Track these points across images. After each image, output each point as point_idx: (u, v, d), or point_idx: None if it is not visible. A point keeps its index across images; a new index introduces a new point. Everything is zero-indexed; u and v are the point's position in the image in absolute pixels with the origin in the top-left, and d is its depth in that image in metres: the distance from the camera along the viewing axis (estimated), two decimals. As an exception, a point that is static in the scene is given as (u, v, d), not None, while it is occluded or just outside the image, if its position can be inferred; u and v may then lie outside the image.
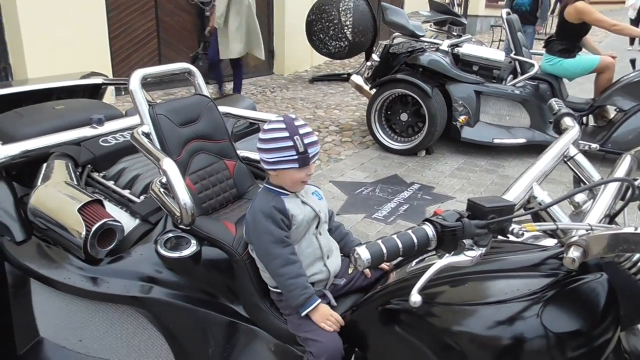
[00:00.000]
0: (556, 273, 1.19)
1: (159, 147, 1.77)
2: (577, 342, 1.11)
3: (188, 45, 7.19)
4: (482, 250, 0.99)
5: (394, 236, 0.99)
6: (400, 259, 1.65)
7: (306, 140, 1.43)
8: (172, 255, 1.65)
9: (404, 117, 4.87)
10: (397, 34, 5.26)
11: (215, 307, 1.73)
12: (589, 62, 4.84)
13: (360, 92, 5.36)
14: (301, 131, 1.44)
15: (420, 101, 4.64)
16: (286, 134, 1.42)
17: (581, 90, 5.21)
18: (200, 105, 1.98)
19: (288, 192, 1.53)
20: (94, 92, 2.91)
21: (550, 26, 12.53)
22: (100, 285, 1.65)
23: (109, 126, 2.23)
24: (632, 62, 4.72)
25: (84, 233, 1.61)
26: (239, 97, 2.94)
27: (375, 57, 5.13)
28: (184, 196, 1.54)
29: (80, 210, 1.64)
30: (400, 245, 0.97)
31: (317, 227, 1.57)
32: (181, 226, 1.64)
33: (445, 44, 4.96)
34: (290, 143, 1.41)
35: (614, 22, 4.62)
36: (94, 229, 1.62)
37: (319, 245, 1.58)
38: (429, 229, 0.99)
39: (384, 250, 0.96)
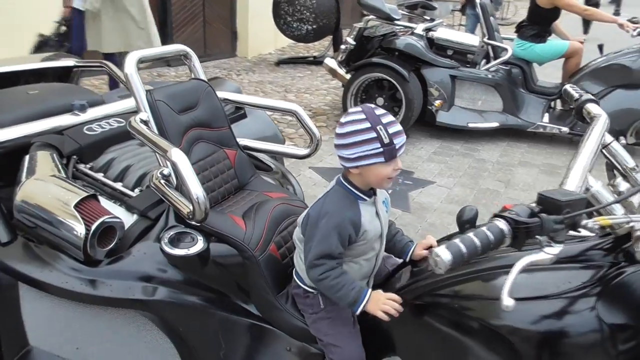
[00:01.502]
0: (604, 264, 1.16)
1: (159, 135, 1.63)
2: (631, 334, 1.09)
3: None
4: (561, 246, 0.93)
5: (470, 234, 0.93)
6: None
7: (391, 130, 1.28)
8: (179, 253, 1.54)
9: (380, 101, 4.81)
10: (371, 17, 5.17)
11: (226, 307, 1.63)
12: (559, 47, 4.92)
13: (334, 76, 5.26)
14: (384, 120, 1.30)
15: (398, 85, 4.60)
16: (367, 124, 1.27)
17: (543, 75, 5.29)
18: (199, 91, 1.85)
19: (366, 198, 1.41)
20: (65, 75, 2.69)
21: (505, 12, 12.75)
22: (101, 288, 1.52)
23: (92, 113, 2.06)
24: (600, 47, 4.83)
25: (83, 232, 1.46)
26: (222, 82, 2.79)
27: (349, 40, 5.03)
28: (197, 190, 1.42)
29: (76, 206, 1.49)
30: (478, 243, 0.91)
31: (380, 246, 1.48)
32: (192, 222, 1.51)
33: (419, 28, 4.92)
34: (374, 134, 1.27)
35: (585, 7, 4.71)
36: (94, 227, 1.48)
37: (374, 265, 1.49)
38: (503, 225, 0.93)
39: (464, 250, 0.89)
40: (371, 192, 1.42)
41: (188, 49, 1.92)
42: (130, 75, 1.64)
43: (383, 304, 1.35)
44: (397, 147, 1.29)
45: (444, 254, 0.89)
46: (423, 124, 4.90)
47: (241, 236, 1.60)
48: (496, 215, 0.97)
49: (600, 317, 1.08)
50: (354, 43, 4.99)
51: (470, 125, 4.80)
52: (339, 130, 1.32)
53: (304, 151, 2.03)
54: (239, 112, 2.62)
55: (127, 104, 2.04)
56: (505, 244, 0.95)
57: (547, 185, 4.01)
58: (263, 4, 7.52)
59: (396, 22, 5.06)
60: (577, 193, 1.03)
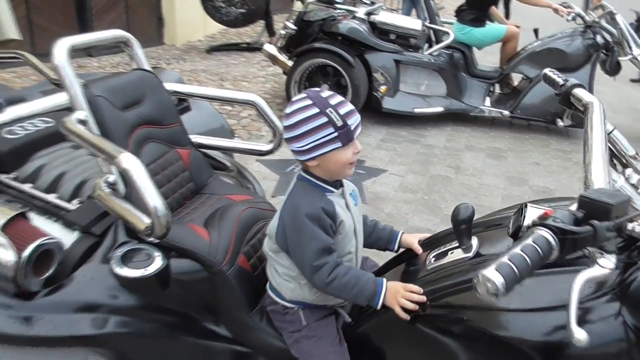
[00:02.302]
0: (618, 265, 1.07)
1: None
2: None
3: (63, 11, 6.30)
4: (614, 258, 0.81)
5: (516, 250, 0.79)
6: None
7: (342, 111, 1.20)
8: (133, 274, 1.31)
9: (325, 88, 4.64)
10: (311, 0, 4.98)
11: (193, 331, 1.42)
12: (498, 31, 4.97)
13: (274, 63, 5.04)
14: (333, 101, 1.20)
15: (343, 71, 4.46)
16: (316, 109, 1.18)
17: (478, 60, 5.35)
18: (144, 83, 1.60)
19: (333, 189, 1.29)
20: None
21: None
22: (40, 326, 1.26)
23: (12, 112, 1.74)
24: (535, 31, 4.92)
25: (13, 260, 1.20)
26: (162, 72, 2.51)
27: (289, 24, 4.82)
28: (156, 201, 1.19)
29: (3, 229, 1.22)
30: (527, 259, 0.77)
31: (356, 240, 1.34)
32: (150, 239, 1.29)
33: (361, 12, 4.78)
34: (324, 119, 1.18)
35: (522, -9, 4.77)
36: (27, 253, 1.22)
37: (354, 263, 1.35)
38: (549, 236, 0.80)
39: (515, 270, 0.75)
40: (337, 184, 1.31)
41: (129, 35, 1.67)
42: (61, 66, 1.37)
43: (402, 296, 1.21)
44: (352, 127, 1.21)
45: (495, 277, 0.74)
46: (369, 110, 4.79)
47: (206, 249, 1.39)
48: (538, 223, 0.83)
49: (626, 323, 0.99)
50: (294, 28, 4.78)
51: (417, 110, 4.75)
52: (286, 122, 1.23)
53: (266, 146, 1.84)
54: (182, 104, 2.37)
55: (54, 100, 1.74)
56: (552, 257, 0.82)
57: (495, 169, 4.04)
58: (190, -12, 7.11)
59: (337, 5, 4.90)
60: (619, 192, 0.92)
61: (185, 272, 1.40)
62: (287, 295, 1.35)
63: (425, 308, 1.20)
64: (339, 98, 1.23)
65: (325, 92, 1.23)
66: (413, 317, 1.22)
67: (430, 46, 4.93)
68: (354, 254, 1.35)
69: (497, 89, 5.25)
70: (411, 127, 4.82)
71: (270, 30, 6.99)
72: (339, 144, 1.20)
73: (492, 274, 0.75)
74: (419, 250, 1.45)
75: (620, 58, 4.37)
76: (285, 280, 1.34)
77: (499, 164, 4.15)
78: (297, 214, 1.24)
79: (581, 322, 1.00)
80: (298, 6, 5.03)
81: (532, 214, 1.20)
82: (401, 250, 1.52)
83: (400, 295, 1.22)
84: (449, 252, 1.31)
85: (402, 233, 1.51)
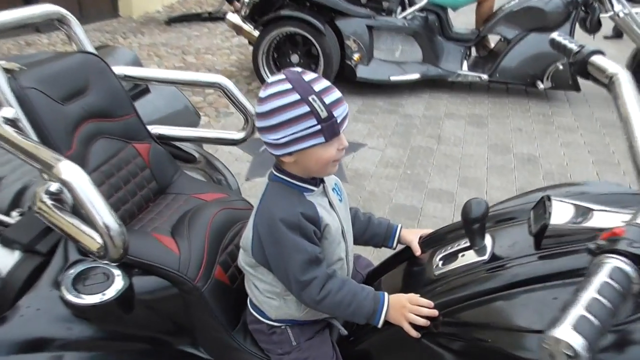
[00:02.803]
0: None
1: (37, 139, 1.14)
2: None
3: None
4: None
5: (589, 293, 0.60)
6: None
7: (328, 99, 0.99)
8: (88, 301, 1.10)
9: (294, 58, 4.40)
10: (274, -36, 4.64)
11: (167, 357, 1.22)
12: (473, -10, 4.76)
13: (239, 33, 4.72)
14: (317, 87, 0.99)
15: (313, 40, 4.20)
16: (296, 96, 0.97)
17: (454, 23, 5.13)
18: (87, 68, 1.35)
19: (312, 187, 1.09)
20: None
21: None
22: (-24, 372, 1.04)
23: None
24: (512, -11, 4.71)
25: None
26: (114, 51, 2.23)
27: (254, -9, 4.49)
28: (107, 218, 0.97)
29: None
30: (608, 303, 0.58)
31: (345, 243, 1.15)
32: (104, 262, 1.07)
33: (329, -25, 4.49)
34: (306, 108, 0.97)
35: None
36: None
37: (346, 269, 1.16)
38: (626, 266, 0.62)
39: (596, 321, 0.56)
40: (317, 180, 1.11)
41: (63, 11, 1.39)
42: (-22, 52, 1.11)
43: (410, 311, 1.04)
44: (338, 120, 1.01)
45: (572, 339, 0.55)
46: (342, 80, 4.55)
47: (175, 263, 1.18)
48: (607, 249, 0.65)
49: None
50: (258, -6, 4.46)
51: (392, 78, 4.54)
52: (260, 108, 1.01)
53: (237, 134, 1.61)
54: (139, 86, 2.11)
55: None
56: (634, 291, 0.63)
57: (477, 137, 3.89)
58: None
59: (303, -31, 4.58)
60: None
61: (152, 292, 1.20)
62: (272, 313, 1.16)
63: (437, 324, 1.03)
64: (324, 83, 1.01)
65: (308, 74, 1.01)
66: (423, 334, 1.04)
67: (404, 9, 4.68)
68: (344, 259, 1.17)
69: (474, 52, 5.07)
70: (387, 97, 4.61)
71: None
72: (321, 139, 1.00)
73: (568, 335, 0.56)
74: (417, 251, 1.27)
75: (601, 15, 4.21)
76: (267, 298, 1.15)
77: (480, 132, 4.00)
78: (272, 224, 1.04)
79: (618, 344, 0.85)
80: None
81: (560, 210, 1.03)
82: (400, 247, 1.34)
83: (407, 310, 1.05)
84: (459, 255, 1.13)
85: (401, 228, 1.33)
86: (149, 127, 1.51)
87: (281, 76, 1.01)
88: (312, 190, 1.10)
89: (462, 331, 1.00)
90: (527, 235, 1.07)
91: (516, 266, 1.01)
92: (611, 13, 4.14)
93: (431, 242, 1.28)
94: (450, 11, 4.91)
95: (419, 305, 1.05)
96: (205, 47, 6.09)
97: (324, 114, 0.98)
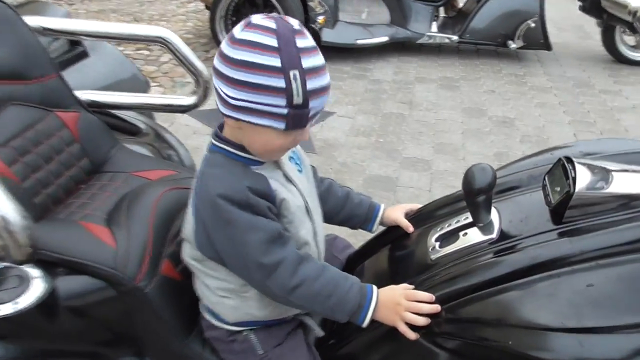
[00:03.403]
0: None
1: None
2: None
3: None
4: None
5: None
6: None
7: (311, 83, 0.78)
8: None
9: (255, 22, 4.08)
10: None
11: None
12: (441, -55, 4.51)
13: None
14: (306, 62, 0.78)
15: (274, 1, 3.89)
16: (277, 62, 0.76)
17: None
18: (-13, 17, 1.07)
19: (260, 159, 0.88)
20: None
21: None
22: None
23: None
24: (481, -56, 4.49)
25: None
26: (42, 6, 1.92)
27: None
28: (6, 209, 0.72)
29: None
30: None
31: (312, 222, 0.94)
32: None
33: None
34: (281, 83, 0.77)
35: None
36: None
37: (316, 254, 0.94)
38: None
39: None
40: None
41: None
42: None
43: (406, 309, 0.85)
44: (310, 114, 0.82)
45: None
46: (307, 45, 4.29)
47: (110, 259, 0.95)
48: None
49: None
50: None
51: (359, 42, 4.29)
52: (228, 49, 0.80)
53: (188, 99, 1.36)
54: (76, 49, 1.82)
55: None
56: None
57: (450, 101, 3.71)
58: None
59: None
60: None
61: (83, 295, 0.96)
62: (229, 316, 0.95)
63: (439, 321, 0.84)
64: (316, 59, 0.80)
65: (303, 38, 0.79)
66: (421, 334, 0.85)
67: (370, -33, 4.40)
68: (311, 242, 0.96)
69: (442, 13, 4.85)
70: (355, 61, 4.37)
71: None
72: (281, 126, 0.80)
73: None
74: (409, 227, 1.07)
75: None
76: (221, 297, 0.94)
77: (453, 95, 3.82)
78: (214, 203, 0.84)
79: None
80: None
81: (584, 174, 0.84)
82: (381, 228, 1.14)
83: (403, 308, 0.85)
84: (460, 233, 0.94)
85: (384, 209, 1.12)
86: (77, 93, 1.24)
87: (272, 23, 0.78)
88: (260, 163, 0.88)
89: (470, 330, 0.81)
90: (542, 207, 0.88)
91: (534, 246, 0.82)
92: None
93: (422, 218, 1.08)
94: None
95: (418, 301, 0.85)
96: (159, 14, 5.67)
97: (298, 99, 0.78)
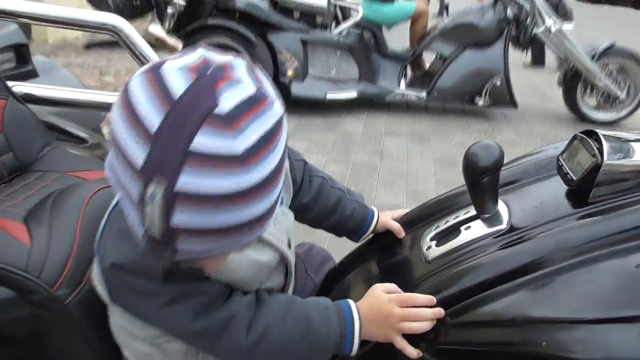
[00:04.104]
0: None
1: None
2: None
3: None
4: None
5: None
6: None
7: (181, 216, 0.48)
8: None
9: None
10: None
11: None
12: (407, 8, 4.65)
13: (162, 48, 4.30)
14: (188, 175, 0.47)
15: (244, 52, 3.85)
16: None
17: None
18: None
19: None
20: None
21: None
22: None
23: None
24: (445, 7, 4.67)
25: None
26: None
27: (178, 0, 4.12)
28: None
29: None
30: None
31: (287, 269, 0.78)
32: None
33: (259, -13, 4.22)
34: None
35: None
36: None
37: (283, 284, 0.77)
38: None
39: None
40: None
41: None
42: None
43: (401, 318, 0.66)
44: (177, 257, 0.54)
45: None
46: (275, 98, 4.24)
47: (20, 259, 0.74)
48: None
49: None
50: (184, 3, 4.09)
51: (329, 96, 4.27)
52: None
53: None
54: (24, 67, 1.66)
55: None
56: None
57: (421, 153, 3.65)
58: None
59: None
60: None
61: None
62: None
63: (444, 329, 0.65)
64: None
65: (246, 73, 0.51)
66: (424, 347, 0.66)
67: (338, 24, 4.47)
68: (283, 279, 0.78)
69: (410, 72, 4.94)
70: (324, 115, 4.32)
71: (160, 17, 6.22)
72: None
73: None
74: (400, 232, 0.90)
75: (535, 30, 4.20)
76: (132, 340, 0.72)
77: (424, 148, 3.77)
78: (119, 278, 0.64)
79: None
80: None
81: (610, 143, 0.70)
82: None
83: (397, 318, 0.67)
84: (462, 228, 0.77)
85: (378, 215, 0.95)
86: (10, 83, 1.06)
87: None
88: None
89: (485, 335, 0.62)
90: (560, 190, 0.74)
91: (557, 232, 0.66)
92: (543, 28, 4.14)
93: (414, 221, 0.92)
94: (385, 30, 4.78)
95: (415, 306, 0.67)
96: (127, 69, 5.59)
97: (153, 229, 0.52)
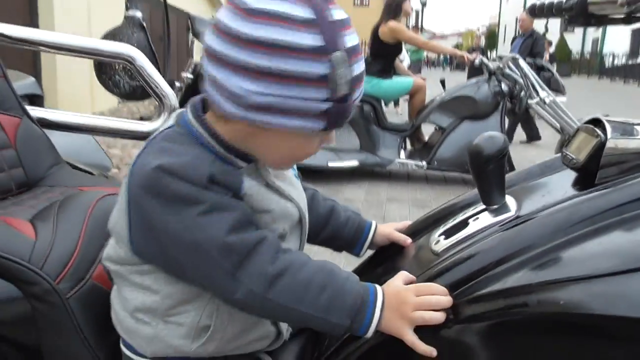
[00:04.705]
0: None
1: None
2: None
3: None
4: None
5: None
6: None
7: (357, 68, 0.63)
8: None
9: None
10: (208, 52, 4.56)
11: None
12: (405, 83, 4.86)
13: (168, 120, 4.45)
14: (349, 41, 0.62)
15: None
16: (317, 39, 0.59)
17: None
18: None
19: (241, 164, 0.69)
20: None
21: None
22: None
23: None
24: (442, 82, 4.88)
25: None
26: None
27: (187, 75, 4.32)
28: None
29: None
30: None
31: (300, 241, 0.78)
32: None
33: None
34: (323, 68, 0.60)
35: (426, 41, 4.74)
36: None
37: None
38: None
39: None
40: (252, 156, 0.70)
41: None
42: None
43: (415, 306, 0.64)
44: (353, 102, 0.65)
45: None
46: (278, 166, 4.31)
47: (24, 250, 0.73)
48: None
49: None
50: (191, 77, 4.28)
51: (331, 164, 4.35)
52: (241, 25, 0.59)
53: (150, 125, 1.22)
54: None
55: None
56: None
57: (423, 216, 3.65)
58: (74, 60, 6.48)
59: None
60: None
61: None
62: (145, 348, 0.71)
63: (458, 306, 0.63)
64: (355, 36, 0.64)
65: (338, 9, 0.63)
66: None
67: (340, 98, 4.65)
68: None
69: (409, 145, 5.06)
70: (326, 183, 4.38)
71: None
72: (318, 126, 0.63)
73: None
74: (406, 240, 0.90)
75: (529, 101, 4.35)
76: (137, 323, 0.70)
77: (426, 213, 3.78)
78: (153, 179, 0.63)
79: None
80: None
81: (613, 125, 0.71)
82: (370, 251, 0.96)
83: (410, 307, 0.64)
84: (470, 220, 0.77)
85: (376, 226, 0.95)
86: (27, 107, 1.10)
87: None
88: (240, 167, 0.68)
89: (503, 303, 0.60)
90: (567, 178, 0.74)
91: (567, 205, 0.66)
92: (537, 100, 4.30)
93: (420, 230, 0.92)
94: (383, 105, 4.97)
95: (431, 294, 0.65)
96: (133, 143, 5.73)
97: (344, 89, 0.61)
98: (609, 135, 0.67)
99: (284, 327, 0.79)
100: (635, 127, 0.72)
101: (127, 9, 4.84)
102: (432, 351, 0.63)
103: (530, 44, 6.18)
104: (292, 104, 0.60)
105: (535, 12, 1.20)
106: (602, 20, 1.01)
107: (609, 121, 0.71)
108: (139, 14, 4.56)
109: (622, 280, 0.51)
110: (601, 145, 0.67)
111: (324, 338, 0.82)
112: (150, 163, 0.63)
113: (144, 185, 0.63)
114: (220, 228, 0.62)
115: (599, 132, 0.69)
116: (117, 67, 4.82)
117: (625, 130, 0.70)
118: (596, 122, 0.74)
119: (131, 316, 0.70)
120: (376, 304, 0.65)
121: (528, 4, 4.06)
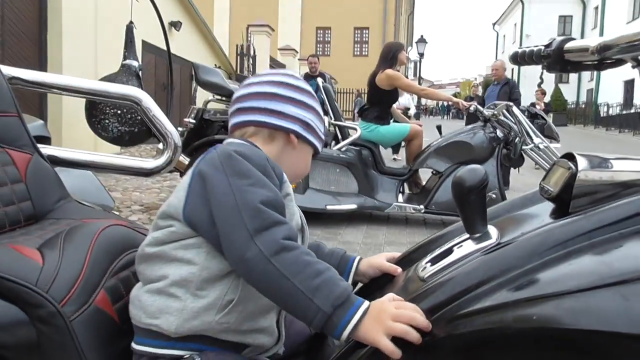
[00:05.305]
0: None
1: None
2: None
3: None
4: None
5: None
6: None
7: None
8: None
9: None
10: (211, 99, 4.71)
11: None
12: (402, 128, 4.96)
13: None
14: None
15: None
16: (315, 103, 0.97)
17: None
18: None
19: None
20: None
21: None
22: None
23: None
24: (439, 128, 4.99)
25: None
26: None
27: (189, 120, 4.44)
28: None
29: None
30: None
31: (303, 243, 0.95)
32: None
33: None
34: (320, 114, 0.97)
35: (422, 87, 4.88)
36: None
37: None
38: None
39: None
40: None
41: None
42: None
43: (392, 316, 0.70)
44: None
45: None
46: (277, 210, 4.36)
47: (31, 274, 0.77)
48: None
49: None
50: (194, 121, 4.40)
51: (329, 207, 4.40)
52: (286, 79, 0.94)
53: (153, 162, 1.28)
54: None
55: None
56: None
57: (421, 259, 3.67)
58: (79, 106, 6.63)
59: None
60: None
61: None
62: (171, 325, 0.78)
63: (441, 332, 0.66)
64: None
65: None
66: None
67: (337, 143, 4.76)
68: None
69: (407, 189, 5.12)
70: (324, 226, 4.41)
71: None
72: (320, 146, 0.97)
73: None
74: (396, 270, 0.94)
75: (524, 147, 4.45)
76: (167, 298, 0.79)
77: (424, 256, 3.79)
78: (231, 156, 0.82)
79: None
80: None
81: (585, 159, 0.77)
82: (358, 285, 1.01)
83: (388, 315, 0.70)
84: (455, 247, 0.82)
85: (360, 260, 1.01)
86: (42, 147, 1.17)
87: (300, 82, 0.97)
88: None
89: (478, 320, 0.64)
90: (545, 209, 0.79)
91: (540, 231, 0.70)
92: (531, 146, 4.39)
93: (409, 260, 0.95)
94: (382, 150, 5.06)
95: (411, 309, 0.70)
96: (134, 187, 5.82)
97: (322, 129, 0.97)
98: (579, 168, 0.72)
99: (282, 332, 0.88)
100: (606, 160, 0.77)
101: (124, 58, 5.00)
102: (396, 353, 0.68)
103: (508, 91, 6.37)
104: (312, 125, 0.93)
105: (517, 59, 1.29)
106: (578, 67, 1.09)
107: (581, 155, 0.77)
108: (135, 64, 4.70)
109: (588, 296, 0.55)
110: (572, 177, 0.72)
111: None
112: (229, 149, 0.84)
113: (217, 162, 0.81)
114: (257, 197, 0.77)
115: (571, 165, 0.74)
116: (108, 111, 4.86)
117: (596, 163, 0.75)
118: (570, 157, 0.79)
119: (164, 293, 0.78)
120: (360, 308, 0.72)
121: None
